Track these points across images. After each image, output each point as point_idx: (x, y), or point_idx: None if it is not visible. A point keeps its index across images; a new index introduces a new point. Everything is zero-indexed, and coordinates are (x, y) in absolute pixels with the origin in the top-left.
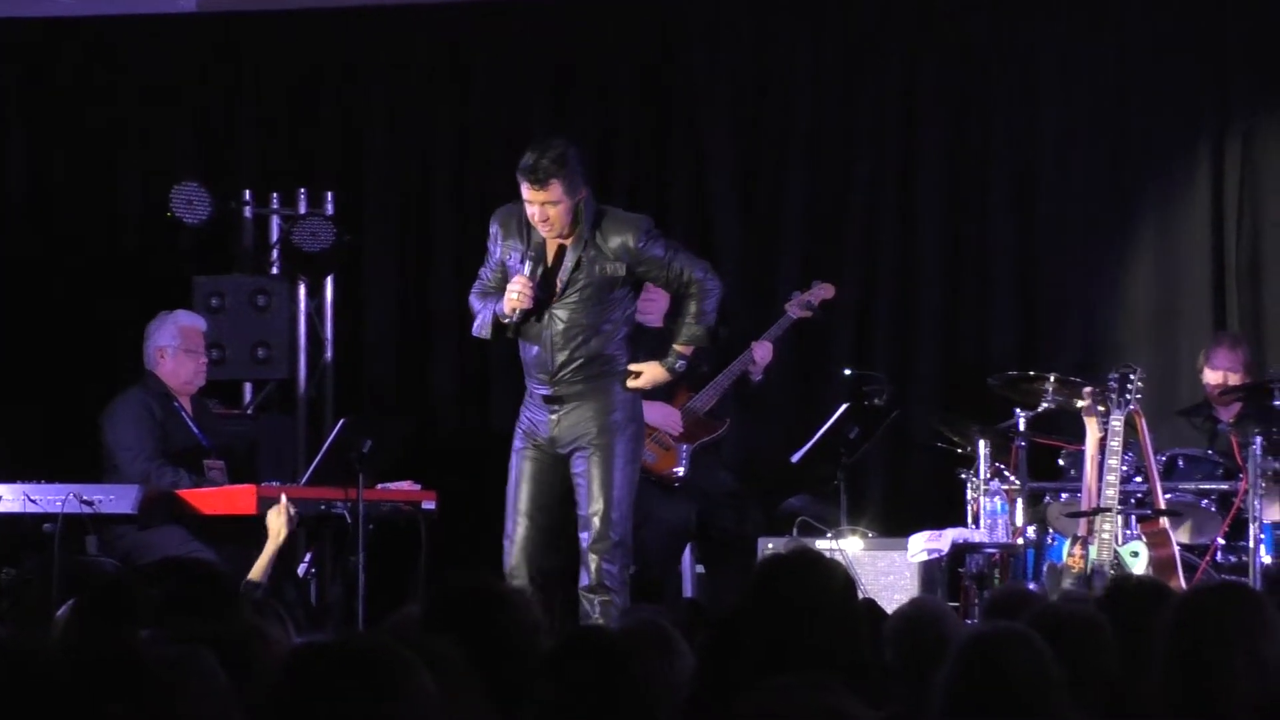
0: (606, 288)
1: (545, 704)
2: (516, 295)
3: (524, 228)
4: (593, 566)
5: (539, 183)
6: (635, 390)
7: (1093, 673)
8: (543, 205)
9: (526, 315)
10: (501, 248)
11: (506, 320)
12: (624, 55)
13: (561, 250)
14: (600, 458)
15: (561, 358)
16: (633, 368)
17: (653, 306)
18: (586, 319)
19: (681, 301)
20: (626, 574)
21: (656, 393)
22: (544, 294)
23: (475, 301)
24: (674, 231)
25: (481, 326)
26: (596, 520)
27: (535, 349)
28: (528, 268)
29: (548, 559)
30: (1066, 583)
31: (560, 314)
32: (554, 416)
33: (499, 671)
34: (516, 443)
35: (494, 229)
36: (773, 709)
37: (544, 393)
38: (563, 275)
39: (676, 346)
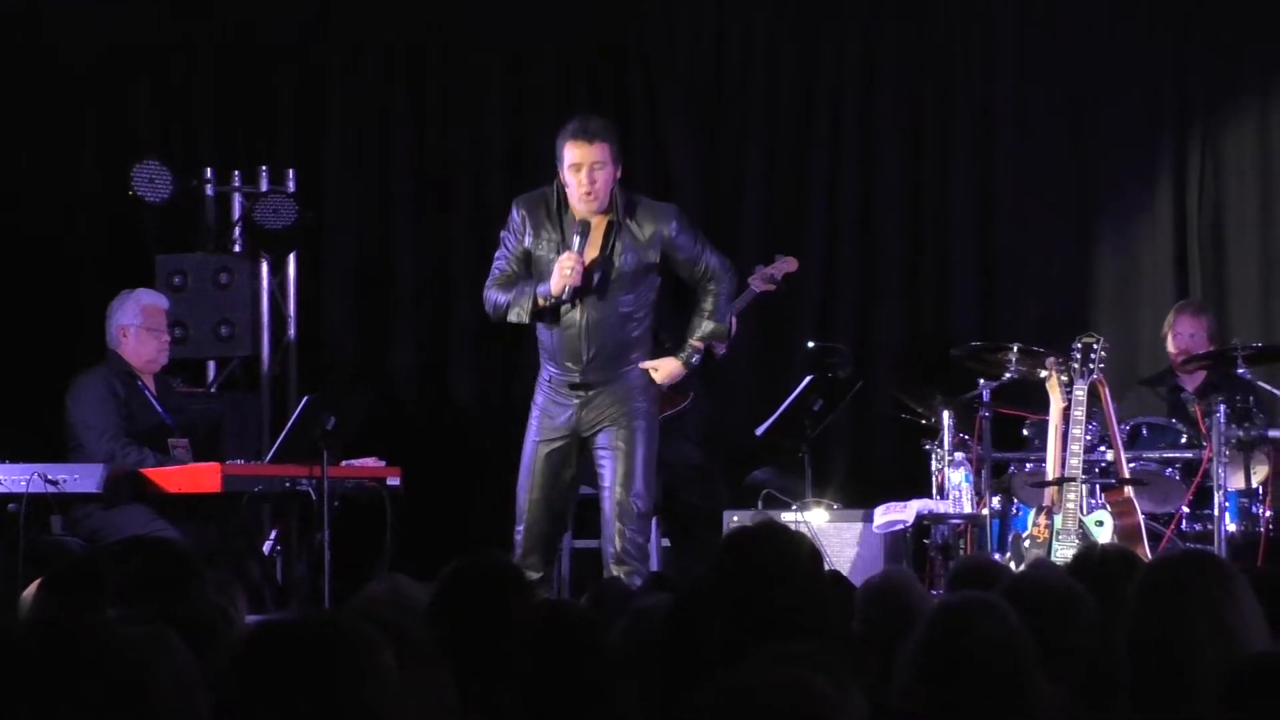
0: (641, 275)
1: (523, 677)
2: (570, 271)
3: (556, 214)
4: (616, 538)
5: (590, 138)
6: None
7: (1068, 643)
8: (591, 166)
9: (575, 294)
10: (530, 235)
11: (551, 301)
12: (581, 26)
13: (597, 236)
14: (624, 434)
15: (595, 345)
16: (646, 364)
17: None
18: (622, 307)
19: (699, 295)
20: (648, 545)
21: None
22: (583, 279)
23: (496, 293)
24: None
25: (515, 310)
26: (621, 490)
27: (566, 335)
28: (576, 243)
29: (554, 547)
30: (1031, 553)
31: (596, 300)
32: (578, 402)
33: (494, 651)
34: (532, 432)
35: (518, 215)
36: (740, 684)
37: (571, 380)
38: (601, 260)
39: (692, 341)
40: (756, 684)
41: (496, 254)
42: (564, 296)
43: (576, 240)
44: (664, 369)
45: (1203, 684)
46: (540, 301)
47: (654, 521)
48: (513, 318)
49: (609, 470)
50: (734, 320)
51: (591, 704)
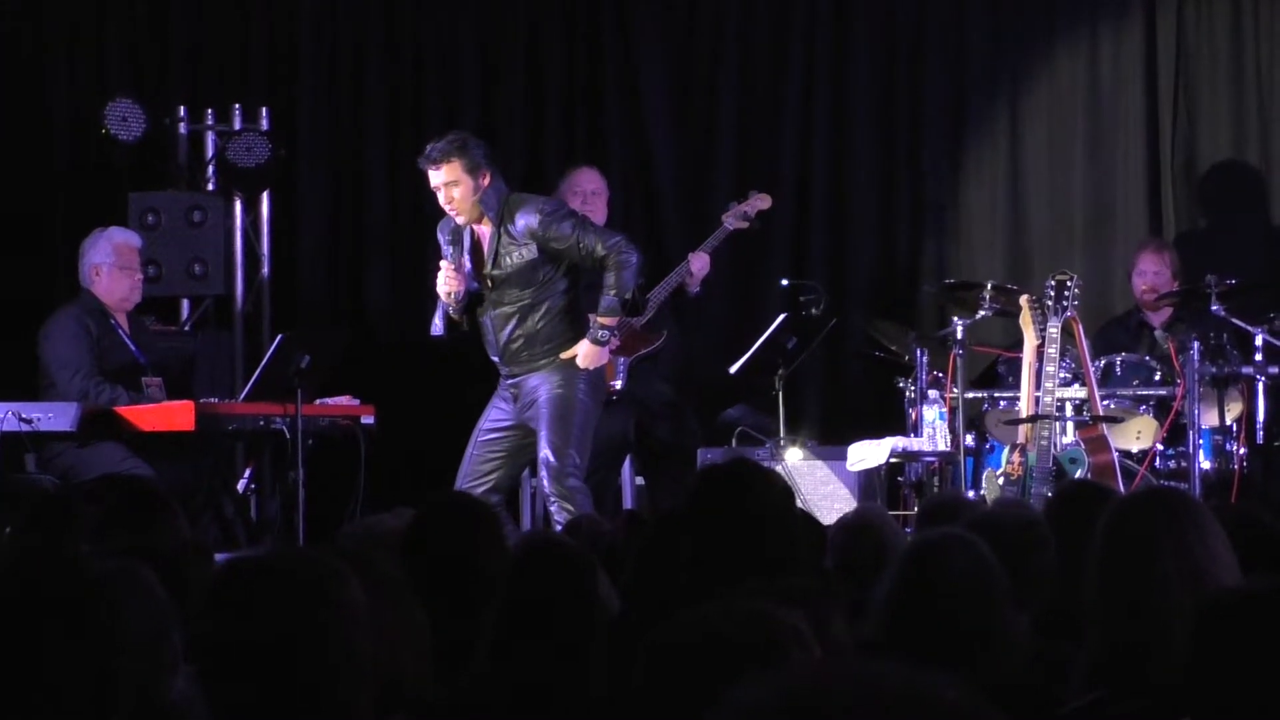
0: (529, 270)
1: (502, 612)
2: (442, 279)
3: (459, 226)
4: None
5: (434, 163)
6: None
7: (1032, 576)
8: (446, 187)
9: (469, 300)
10: (450, 251)
11: (451, 311)
12: None
13: (482, 239)
14: (548, 407)
15: (503, 339)
16: (567, 354)
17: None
18: (516, 302)
19: (600, 275)
20: (574, 493)
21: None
22: (478, 282)
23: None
24: (609, 147)
25: (435, 324)
26: (549, 453)
27: (483, 332)
28: (449, 253)
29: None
30: (1004, 490)
31: (493, 298)
32: (513, 391)
33: (471, 584)
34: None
35: (439, 238)
36: (705, 617)
37: (501, 370)
38: (487, 263)
39: (598, 319)
40: (722, 617)
41: None
42: (452, 304)
43: (449, 250)
44: (583, 353)
45: (1169, 620)
46: (451, 313)
47: (628, 459)
48: (435, 332)
49: (538, 440)
50: (707, 259)
51: (574, 638)
